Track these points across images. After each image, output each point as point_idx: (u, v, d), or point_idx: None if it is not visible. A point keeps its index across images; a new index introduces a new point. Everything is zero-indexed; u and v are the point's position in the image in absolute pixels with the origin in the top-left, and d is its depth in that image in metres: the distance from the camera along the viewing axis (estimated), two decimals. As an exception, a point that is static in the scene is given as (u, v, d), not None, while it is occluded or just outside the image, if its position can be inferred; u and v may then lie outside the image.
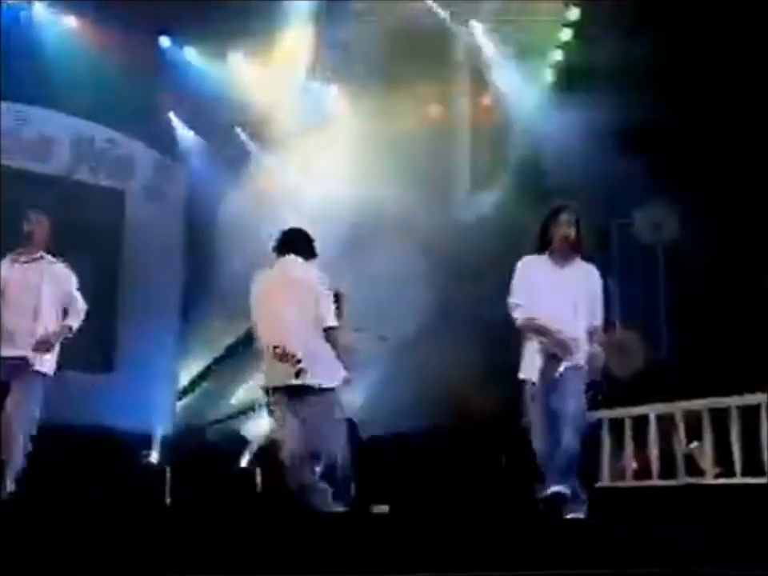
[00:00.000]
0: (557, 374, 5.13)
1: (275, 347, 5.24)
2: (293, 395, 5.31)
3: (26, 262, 5.83)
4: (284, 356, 5.25)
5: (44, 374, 5.70)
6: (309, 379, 5.26)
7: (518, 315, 5.21)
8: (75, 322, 5.90)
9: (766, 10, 8.09)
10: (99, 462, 8.51)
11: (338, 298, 6.67)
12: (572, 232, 5.22)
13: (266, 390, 5.44)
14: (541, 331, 5.17)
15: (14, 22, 9.38)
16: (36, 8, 9.62)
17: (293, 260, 5.47)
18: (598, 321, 5.34)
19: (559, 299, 5.21)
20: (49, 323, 5.77)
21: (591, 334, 5.27)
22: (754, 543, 4.05)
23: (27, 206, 8.52)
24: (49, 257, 5.91)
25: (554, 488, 4.95)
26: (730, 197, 8.67)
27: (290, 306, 5.31)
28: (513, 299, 5.25)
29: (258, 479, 9.15)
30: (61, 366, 6.54)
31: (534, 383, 5.20)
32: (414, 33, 10.01)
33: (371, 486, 7.08)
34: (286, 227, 5.66)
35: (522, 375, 5.29)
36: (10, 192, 9.00)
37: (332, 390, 5.42)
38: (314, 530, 3.49)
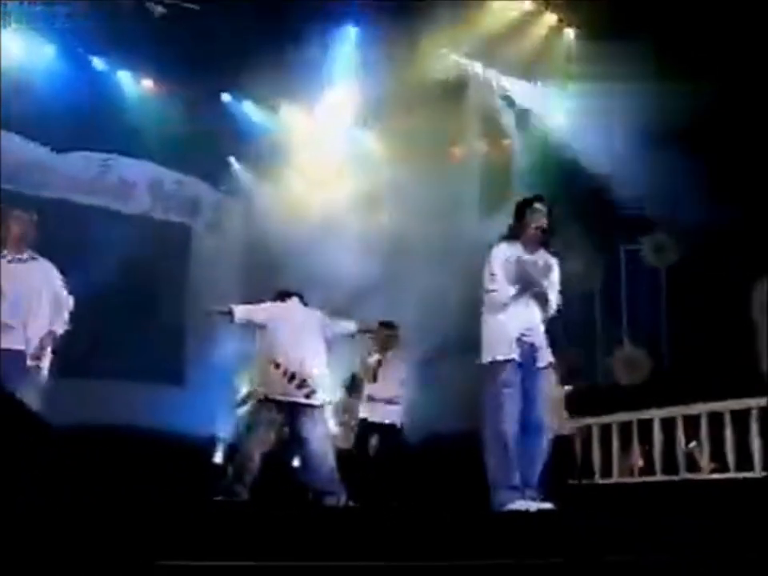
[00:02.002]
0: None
1: (286, 369, 5.63)
2: (286, 409, 5.68)
3: (10, 262, 5.37)
4: (293, 377, 5.65)
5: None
6: (314, 399, 5.69)
7: (493, 300, 4.71)
8: (60, 327, 5.50)
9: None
10: (169, 463, 8.59)
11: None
12: (545, 222, 4.82)
13: (261, 398, 5.74)
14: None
15: (103, 84, 9.74)
16: (120, 73, 9.94)
17: (297, 303, 5.92)
18: (552, 311, 4.89)
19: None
20: (42, 323, 5.36)
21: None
22: (745, 530, 4.01)
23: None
24: (39, 257, 5.49)
25: (526, 503, 4.44)
26: (724, 225, 8.75)
27: (304, 337, 5.73)
28: (491, 285, 4.72)
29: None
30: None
31: (506, 360, 4.62)
32: (444, 84, 10.19)
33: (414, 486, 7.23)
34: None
35: (491, 356, 4.68)
36: (98, 229, 9.36)
37: (323, 407, 5.87)
38: (355, 524, 3.46)
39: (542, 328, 4.83)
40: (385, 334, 7.52)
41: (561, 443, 7.40)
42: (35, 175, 9.62)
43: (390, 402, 7.52)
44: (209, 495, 5.59)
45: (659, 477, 7.63)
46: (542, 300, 4.79)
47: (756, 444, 6.89)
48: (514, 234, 4.88)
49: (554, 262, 4.93)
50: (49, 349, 5.46)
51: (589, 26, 9.26)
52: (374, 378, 7.54)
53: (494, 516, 4.37)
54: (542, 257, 4.88)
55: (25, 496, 2.35)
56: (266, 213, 10.72)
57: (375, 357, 7.60)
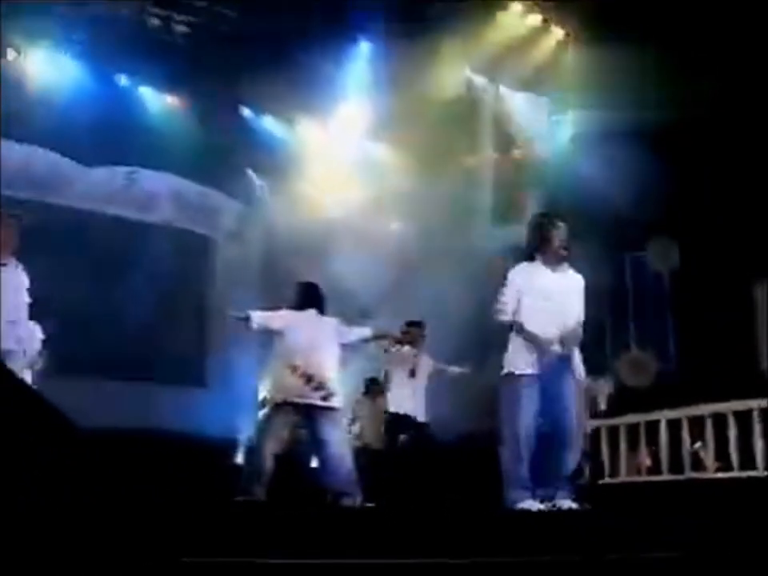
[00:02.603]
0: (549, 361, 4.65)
1: (303, 372, 5.63)
2: (303, 411, 5.69)
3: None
4: (310, 380, 5.65)
5: None
6: (331, 402, 5.70)
7: (502, 317, 4.77)
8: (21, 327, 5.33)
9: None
10: (193, 462, 8.58)
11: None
12: (565, 239, 4.80)
13: (278, 401, 5.72)
14: (530, 336, 4.70)
15: (127, 100, 9.83)
16: (143, 90, 10.02)
17: (316, 314, 5.89)
18: (581, 320, 4.87)
19: (552, 304, 4.75)
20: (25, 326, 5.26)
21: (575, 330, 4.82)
22: (749, 527, 4.07)
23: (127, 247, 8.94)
24: (14, 263, 5.32)
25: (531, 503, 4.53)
26: (724, 232, 8.75)
27: (320, 343, 5.74)
28: (502, 299, 4.76)
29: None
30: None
31: (522, 375, 4.67)
32: (454, 97, 10.31)
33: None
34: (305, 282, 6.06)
35: (508, 369, 4.76)
36: (123, 238, 9.46)
37: (340, 409, 5.89)
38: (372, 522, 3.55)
39: (566, 341, 4.78)
40: (413, 333, 7.52)
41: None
42: (63, 187, 9.74)
43: (422, 397, 7.51)
44: (230, 495, 5.63)
45: (666, 476, 7.62)
46: (566, 314, 4.78)
47: (759, 444, 6.85)
48: (533, 253, 4.84)
49: (578, 276, 4.93)
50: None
51: (593, 39, 9.28)
52: (413, 374, 7.55)
53: (502, 514, 4.40)
54: (565, 272, 4.86)
55: (52, 496, 2.38)
56: (283, 221, 10.78)
57: (407, 351, 7.58)
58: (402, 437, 7.60)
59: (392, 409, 7.57)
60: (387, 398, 7.68)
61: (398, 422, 7.50)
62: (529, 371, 4.69)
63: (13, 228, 5.32)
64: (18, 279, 5.32)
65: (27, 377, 6.32)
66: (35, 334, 6.44)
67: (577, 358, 4.87)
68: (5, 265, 5.28)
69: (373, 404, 8.76)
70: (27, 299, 5.37)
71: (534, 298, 4.75)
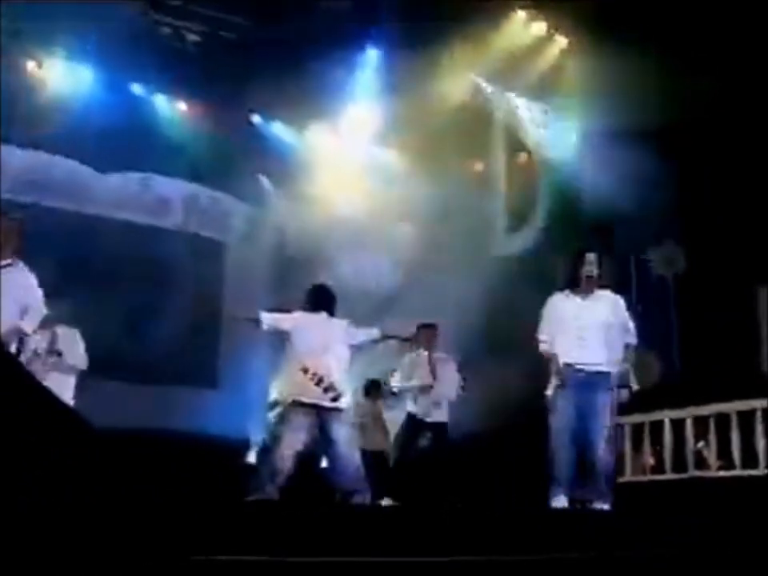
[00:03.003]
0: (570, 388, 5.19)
1: (314, 373, 5.66)
2: (313, 412, 5.70)
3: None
4: (320, 382, 5.67)
5: None
6: (340, 403, 5.74)
7: (543, 349, 5.38)
8: (30, 326, 5.32)
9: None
10: (204, 463, 8.54)
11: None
12: (594, 270, 5.31)
13: (290, 401, 5.77)
14: (565, 363, 5.24)
15: (140, 108, 9.89)
16: (156, 97, 10.09)
17: (326, 317, 5.91)
18: (633, 338, 5.37)
19: (585, 328, 5.23)
20: (8, 324, 5.10)
21: (626, 347, 5.32)
22: (750, 524, 4.12)
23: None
24: (20, 263, 5.31)
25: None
26: (727, 235, 8.74)
27: (330, 345, 5.76)
28: (540, 335, 5.39)
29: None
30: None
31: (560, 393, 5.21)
32: (461, 103, 10.30)
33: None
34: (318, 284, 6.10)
35: (550, 389, 5.32)
36: (137, 243, 9.51)
37: (347, 410, 5.92)
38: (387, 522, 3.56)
39: (606, 358, 5.26)
40: (427, 335, 7.53)
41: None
42: (80, 194, 9.81)
43: (443, 399, 7.53)
44: (241, 494, 5.64)
45: (669, 475, 7.62)
46: (598, 337, 5.25)
47: (761, 443, 6.88)
48: (570, 283, 5.43)
49: (612, 297, 5.43)
50: (13, 345, 5.28)
51: (598, 44, 9.27)
52: (434, 376, 7.55)
53: (506, 515, 4.39)
54: (598, 297, 5.37)
55: (67, 494, 2.40)
56: (294, 226, 10.80)
57: (424, 353, 7.58)
58: (423, 439, 7.60)
59: (413, 411, 7.57)
60: (407, 401, 7.67)
61: (418, 425, 7.51)
62: (560, 386, 5.25)
63: (15, 229, 5.29)
64: (24, 280, 5.28)
65: (71, 380, 6.41)
66: (76, 338, 6.53)
67: (614, 375, 5.29)
68: (9, 265, 5.25)
69: (373, 406, 8.77)
70: (38, 300, 5.33)
71: (566, 326, 5.29)
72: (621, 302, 5.45)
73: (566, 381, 5.21)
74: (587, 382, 5.21)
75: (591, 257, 5.37)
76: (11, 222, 5.36)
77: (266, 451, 5.74)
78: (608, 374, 5.24)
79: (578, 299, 5.36)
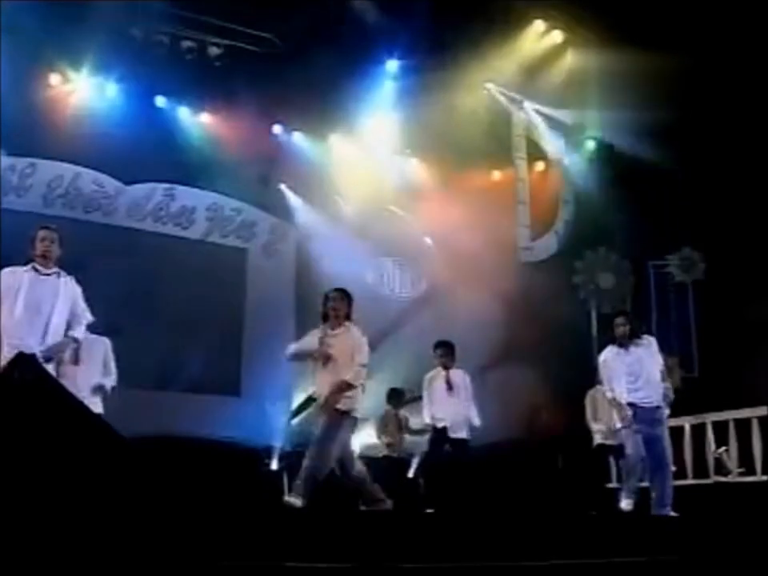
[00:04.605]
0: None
1: (343, 382, 5.66)
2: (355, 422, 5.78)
3: (43, 275, 5.34)
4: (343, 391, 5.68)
5: None
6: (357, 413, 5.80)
7: (610, 396, 6.52)
8: (81, 333, 5.47)
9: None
10: (228, 469, 8.50)
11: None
12: (626, 330, 6.50)
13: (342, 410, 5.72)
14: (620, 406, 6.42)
15: (164, 120, 9.96)
16: (180, 110, 10.15)
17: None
18: (663, 367, 6.53)
19: (631, 373, 6.37)
20: (57, 334, 5.27)
21: (662, 373, 6.47)
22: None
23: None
24: (62, 273, 5.43)
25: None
26: (745, 241, 8.68)
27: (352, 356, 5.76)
28: (604, 387, 6.65)
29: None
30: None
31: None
32: (480, 113, 10.40)
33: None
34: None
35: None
36: (162, 254, 9.56)
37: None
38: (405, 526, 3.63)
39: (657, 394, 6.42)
40: (442, 353, 7.65)
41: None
42: (106, 206, 9.90)
43: (463, 416, 7.61)
44: (265, 500, 5.62)
45: (690, 480, 7.66)
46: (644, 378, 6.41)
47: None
48: (613, 340, 6.60)
49: (648, 342, 6.56)
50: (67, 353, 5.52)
51: (616, 52, 9.27)
52: (450, 388, 7.59)
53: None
54: (637, 346, 6.50)
55: (94, 501, 2.43)
56: (316, 235, 10.81)
57: (442, 372, 7.68)
58: (444, 448, 7.66)
59: (432, 422, 7.65)
60: (425, 412, 7.74)
61: (438, 436, 7.59)
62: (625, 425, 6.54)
63: (56, 239, 5.40)
64: (71, 288, 5.39)
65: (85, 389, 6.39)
66: (101, 347, 6.55)
67: (664, 408, 6.45)
68: (56, 274, 5.38)
69: (395, 414, 8.77)
70: (84, 307, 5.45)
71: (618, 374, 6.44)
72: (654, 343, 6.59)
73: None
74: (647, 416, 6.37)
75: (621, 320, 6.60)
76: (52, 232, 5.45)
77: (317, 455, 5.62)
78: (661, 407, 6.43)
79: (622, 351, 6.53)
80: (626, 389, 6.37)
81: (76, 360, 6.27)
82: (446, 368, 7.68)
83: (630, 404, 6.36)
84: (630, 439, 6.53)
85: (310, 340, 5.99)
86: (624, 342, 6.50)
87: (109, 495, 2.43)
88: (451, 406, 7.58)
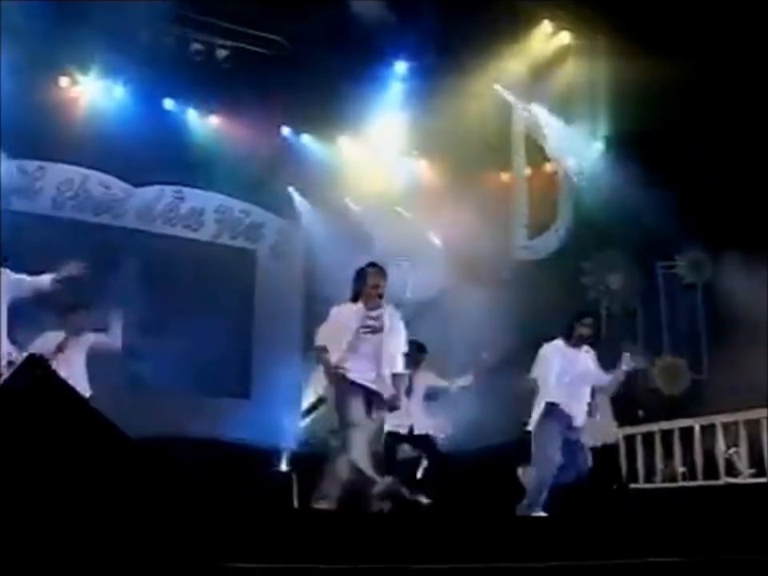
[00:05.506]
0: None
1: None
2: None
3: None
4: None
5: None
6: None
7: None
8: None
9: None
10: (239, 470, 8.65)
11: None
12: (591, 332, 6.30)
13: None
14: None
15: (173, 123, 9.99)
16: (188, 112, 10.19)
17: None
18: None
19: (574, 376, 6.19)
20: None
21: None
22: None
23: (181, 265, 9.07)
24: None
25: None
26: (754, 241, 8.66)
27: None
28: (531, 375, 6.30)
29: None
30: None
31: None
32: (489, 114, 10.34)
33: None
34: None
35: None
36: (172, 255, 9.58)
37: None
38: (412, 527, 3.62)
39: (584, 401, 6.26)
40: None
41: (608, 451, 7.49)
42: (115, 208, 9.92)
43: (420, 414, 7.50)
44: (273, 502, 5.60)
45: (700, 482, 7.61)
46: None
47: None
48: (567, 336, 6.31)
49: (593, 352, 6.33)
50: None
51: (623, 54, 9.24)
52: (408, 393, 7.49)
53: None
54: (585, 353, 6.31)
55: (102, 502, 2.43)
56: (324, 237, 10.83)
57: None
58: (401, 452, 7.54)
59: (387, 428, 7.51)
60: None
61: (392, 441, 7.28)
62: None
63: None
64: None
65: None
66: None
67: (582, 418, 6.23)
68: None
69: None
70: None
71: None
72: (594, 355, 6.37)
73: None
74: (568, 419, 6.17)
75: (589, 320, 6.41)
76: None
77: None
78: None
79: (570, 350, 6.29)
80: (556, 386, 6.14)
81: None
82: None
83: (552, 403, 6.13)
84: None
85: (345, 324, 5.46)
86: (578, 344, 6.26)
87: (115, 496, 2.42)
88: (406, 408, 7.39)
